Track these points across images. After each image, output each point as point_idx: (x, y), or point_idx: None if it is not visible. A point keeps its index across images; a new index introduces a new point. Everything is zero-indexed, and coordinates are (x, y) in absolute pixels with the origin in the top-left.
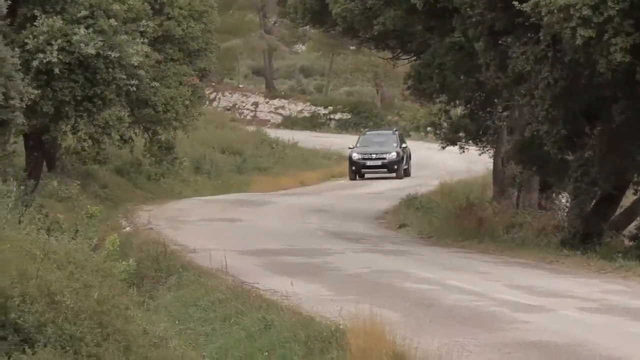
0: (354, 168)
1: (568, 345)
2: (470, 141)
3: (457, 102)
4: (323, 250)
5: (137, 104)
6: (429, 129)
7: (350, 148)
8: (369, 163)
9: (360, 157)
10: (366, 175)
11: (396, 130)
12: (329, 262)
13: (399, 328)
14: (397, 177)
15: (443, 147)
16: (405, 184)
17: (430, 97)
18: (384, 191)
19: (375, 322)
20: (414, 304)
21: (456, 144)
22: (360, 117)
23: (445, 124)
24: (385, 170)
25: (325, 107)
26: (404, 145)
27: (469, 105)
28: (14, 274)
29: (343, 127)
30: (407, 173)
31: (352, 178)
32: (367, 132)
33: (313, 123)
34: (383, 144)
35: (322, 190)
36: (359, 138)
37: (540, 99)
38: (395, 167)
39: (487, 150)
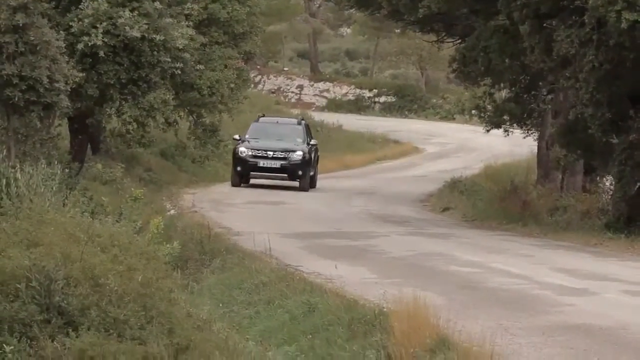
0: (239, 168)
1: (612, 329)
2: (515, 124)
3: (502, 85)
4: (367, 233)
5: (182, 87)
6: (473, 112)
7: (236, 139)
8: (262, 163)
9: (250, 153)
10: (254, 180)
11: (302, 120)
12: (373, 245)
13: (443, 311)
14: (300, 188)
15: (487, 130)
16: (451, 166)
17: (475, 80)
18: (429, 173)
19: (419, 305)
20: (458, 287)
21: (500, 127)
22: (405, 101)
23: (489, 107)
24: (285, 175)
25: (370, 90)
26: (312, 142)
27: (513, 89)
28: (58, 257)
29: (388, 110)
30: (312, 182)
31: (236, 184)
32: (262, 119)
33: (357, 106)
34: (284, 137)
35: (367, 173)
36: (251, 126)
37: (585, 82)
38: (300, 172)
39: (532, 134)
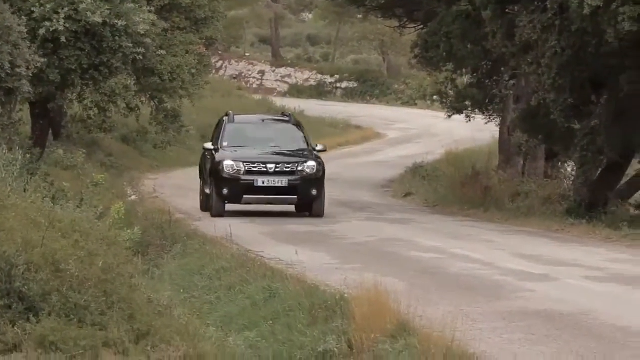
0: (225, 191)
1: (573, 314)
2: (477, 110)
3: (464, 70)
4: (328, 218)
5: (144, 73)
6: (435, 97)
7: (209, 149)
8: (261, 182)
9: (241, 168)
10: (244, 201)
11: (290, 115)
12: (335, 231)
13: (404, 297)
14: (314, 215)
15: (449, 116)
16: (412, 152)
17: (437, 66)
18: (390, 159)
19: (380, 291)
20: (419, 273)
21: (462, 113)
22: (367, 86)
23: (451, 93)
24: (295, 198)
25: (332, 76)
26: (319, 147)
27: (475, 74)
28: (19, 243)
29: (349, 95)
30: (320, 204)
31: (218, 213)
32: (238, 118)
33: (319, 92)
34: (279, 141)
35: (328, 158)
36: (222, 128)
37: (547, 68)
38: (315, 191)
39: (493, 119)
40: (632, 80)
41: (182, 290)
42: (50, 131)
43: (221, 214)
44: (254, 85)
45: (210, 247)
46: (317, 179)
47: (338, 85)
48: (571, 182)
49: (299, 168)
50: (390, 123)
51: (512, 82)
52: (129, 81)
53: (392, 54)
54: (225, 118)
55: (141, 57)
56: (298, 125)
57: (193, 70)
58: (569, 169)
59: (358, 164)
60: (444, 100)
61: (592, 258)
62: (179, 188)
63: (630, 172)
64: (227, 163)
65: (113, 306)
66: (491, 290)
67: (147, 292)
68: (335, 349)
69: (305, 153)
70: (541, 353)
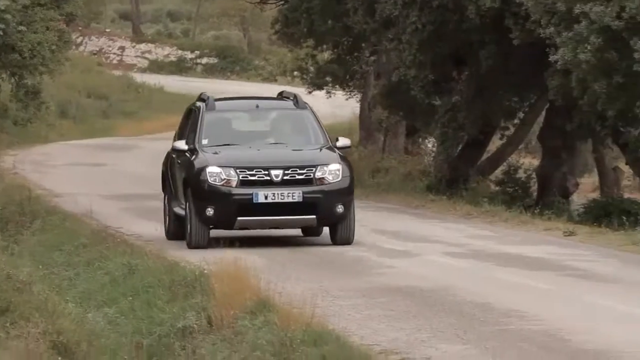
0: (210, 212)
1: (433, 290)
2: (337, 86)
3: (324, 46)
4: None
5: (3, 49)
6: (295, 73)
7: (181, 150)
8: (263, 197)
9: (233, 177)
10: (238, 226)
11: (295, 97)
12: None
13: (264, 273)
14: (337, 241)
15: (310, 92)
16: None
17: (298, 42)
18: None
19: (240, 267)
20: (278, 249)
21: (323, 89)
22: (227, 62)
23: (312, 69)
24: (312, 218)
25: (192, 52)
26: (341, 141)
27: (336, 50)
28: None
29: (210, 71)
30: (348, 227)
31: (198, 243)
32: (220, 105)
33: (180, 67)
34: (282, 135)
35: None
36: (198, 119)
37: (408, 44)
38: (340, 208)
39: (354, 95)
40: (492, 56)
41: (41, 266)
42: None
43: (203, 244)
44: (114, 61)
45: (70, 223)
46: (344, 190)
47: (198, 61)
48: (432, 158)
49: (318, 174)
50: None
51: (372, 58)
52: None
53: (253, 30)
54: (201, 105)
55: (1, 34)
56: (308, 110)
57: (53, 47)
58: (430, 145)
59: None
60: (305, 76)
61: (453, 234)
62: (38, 164)
63: (492, 148)
64: (212, 170)
65: None
66: (351, 267)
67: (6, 268)
68: (195, 325)
69: (324, 151)
70: (401, 329)
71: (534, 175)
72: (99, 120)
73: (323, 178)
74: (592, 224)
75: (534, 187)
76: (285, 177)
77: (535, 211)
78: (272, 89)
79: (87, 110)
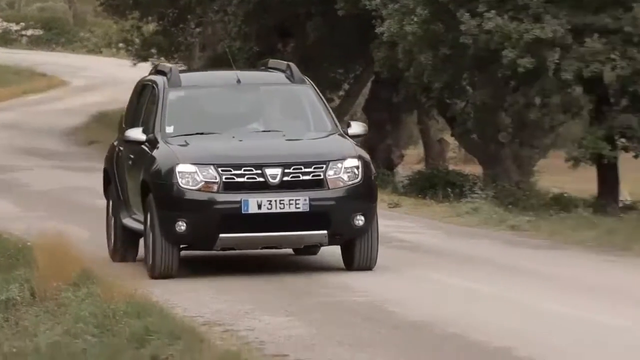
0: (182, 227)
1: (256, 266)
2: (162, 57)
3: (150, 18)
4: (11, 166)
5: None
6: (121, 45)
7: (137, 140)
8: (256, 206)
9: (214, 177)
10: (220, 244)
11: (289, 66)
12: (17, 179)
13: (88, 245)
14: (355, 265)
15: (135, 64)
16: (97, 99)
17: (123, 14)
18: (75, 107)
19: (63, 239)
20: (102, 220)
21: (148, 61)
22: (52, 34)
23: (137, 41)
24: (322, 232)
25: (17, 24)
26: (354, 127)
27: (161, 22)
28: None
29: (35, 43)
30: (370, 244)
31: (167, 269)
32: (185, 78)
33: (4, 39)
34: (280, 120)
35: (12, 106)
36: (158, 99)
37: (233, 16)
38: (360, 219)
39: (180, 66)
40: (318, 28)
41: None
42: None
43: (171, 271)
44: None
45: None
46: (364, 194)
47: (23, 33)
48: None
49: (330, 173)
50: (75, 71)
51: (198, 30)
52: None
53: (79, 1)
54: (160, 79)
55: None
56: (307, 85)
57: None
58: None
59: (43, 112)
60: (130, 48)
61: None
62: None
63: None
64: (184, 169)
65: None
66: None
67: None
68: (18, 297)
69: (335, 141)
70: (225, 301)
71: None
72: None
73: (338, 178)
74: (417, 196)
75: None
76: (285, 179)
77: None
78: (97, 61)
79: None
